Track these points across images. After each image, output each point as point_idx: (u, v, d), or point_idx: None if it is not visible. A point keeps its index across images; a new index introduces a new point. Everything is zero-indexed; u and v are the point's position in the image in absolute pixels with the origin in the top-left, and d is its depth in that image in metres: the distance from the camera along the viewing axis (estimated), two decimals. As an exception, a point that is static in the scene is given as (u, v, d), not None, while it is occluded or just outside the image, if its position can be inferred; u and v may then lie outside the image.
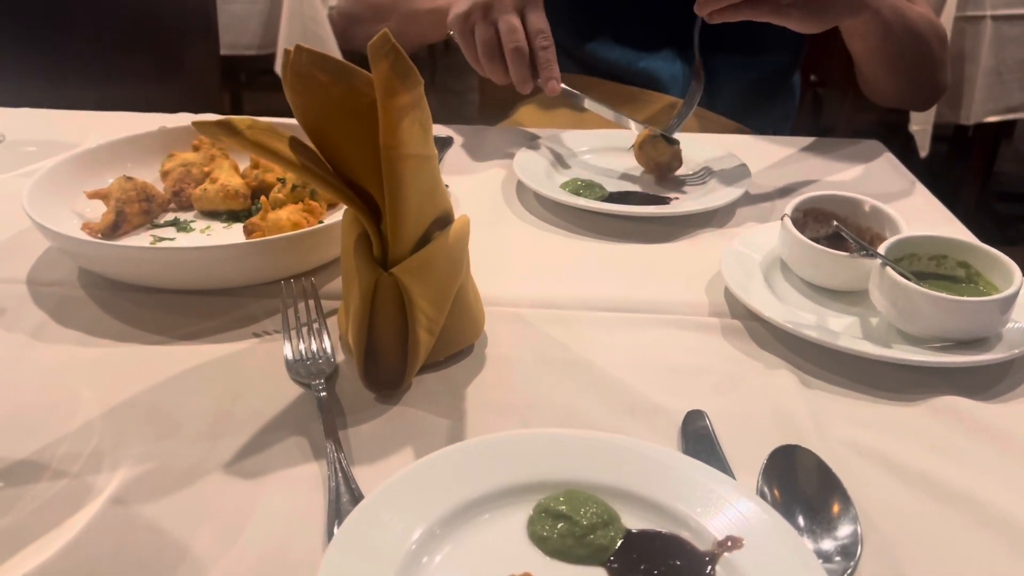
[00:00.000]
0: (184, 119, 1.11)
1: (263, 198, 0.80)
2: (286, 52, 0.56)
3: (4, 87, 1.16)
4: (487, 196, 0.96)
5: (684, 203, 0.92)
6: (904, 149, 2.69)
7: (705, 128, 1.20)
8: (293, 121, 0.61)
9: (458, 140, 1.12)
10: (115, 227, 0.80)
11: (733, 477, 0.54)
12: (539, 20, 0.99)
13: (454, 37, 1.02)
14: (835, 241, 0.75)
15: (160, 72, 1.46)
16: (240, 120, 0.56)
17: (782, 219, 0.76)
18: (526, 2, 0.99)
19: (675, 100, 1.19)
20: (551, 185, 0.95)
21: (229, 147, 0.90)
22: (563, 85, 0.99)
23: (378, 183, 0.58)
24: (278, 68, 2.72)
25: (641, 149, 0.98)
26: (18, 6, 1.33)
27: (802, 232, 0.75)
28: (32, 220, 0.73)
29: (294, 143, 0.58)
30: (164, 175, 0.88)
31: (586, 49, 1.26)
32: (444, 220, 0.64)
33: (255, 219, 0.78)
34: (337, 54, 2.95)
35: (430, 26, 1.07)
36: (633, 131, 1.01)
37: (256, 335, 0.69)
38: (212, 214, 0.86)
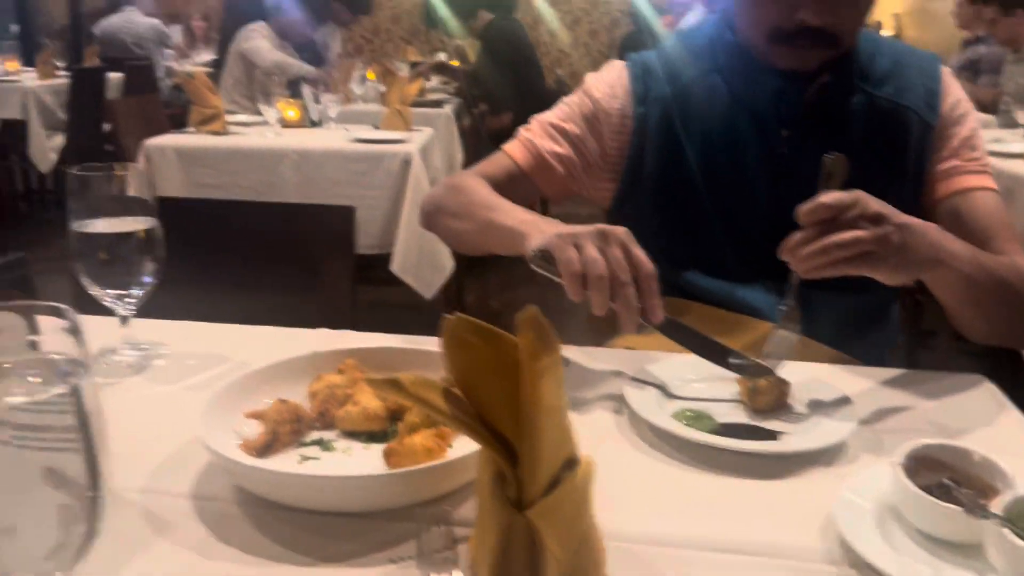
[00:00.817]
0: (323, 336, 1.22)
1: (399, 422, 0.88)
2: (445, 318, 0.65)
3: (169, 301, 1.31)
4: (600, 423, 1.02)
5: (792, 440, 0.96)
6: (1020, 366, 2.62)
7: (805, 356, 1.24)
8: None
9: (572, 362, 1.19)
10: (268, 446, 0.89)
11: None
12: (641, 252, 0.98)
13: (539, 262, 1.02)
14: (949, 490, 0.77)
15: (300, 282, 1.62)
16: (405, 377, 0.64)
17: (893, 466, 0.79)
18: (624, 236, 0.97)
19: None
20: (662, 415, 1.00)
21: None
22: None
23: (516, 430, 0.65)
24: (394, 267, 2.97)
25: (746, 395, 1.04)
26: (180, 230, 1.53)
27: (914, 480, 0.77)
28: (202, 443, 0.82)
29: (447, 394, 0.67)
30: (312, 395, 0.98)
31: (682, 277, 1.33)
32: (572, 462, 0.70)
33: (393, 444, 0.86)
34: (449, 259, 3.17)
35: (509, 241, 1.11)
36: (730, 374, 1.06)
37: (392, 560, 0.75)
38: (353, 434, 0.94)
